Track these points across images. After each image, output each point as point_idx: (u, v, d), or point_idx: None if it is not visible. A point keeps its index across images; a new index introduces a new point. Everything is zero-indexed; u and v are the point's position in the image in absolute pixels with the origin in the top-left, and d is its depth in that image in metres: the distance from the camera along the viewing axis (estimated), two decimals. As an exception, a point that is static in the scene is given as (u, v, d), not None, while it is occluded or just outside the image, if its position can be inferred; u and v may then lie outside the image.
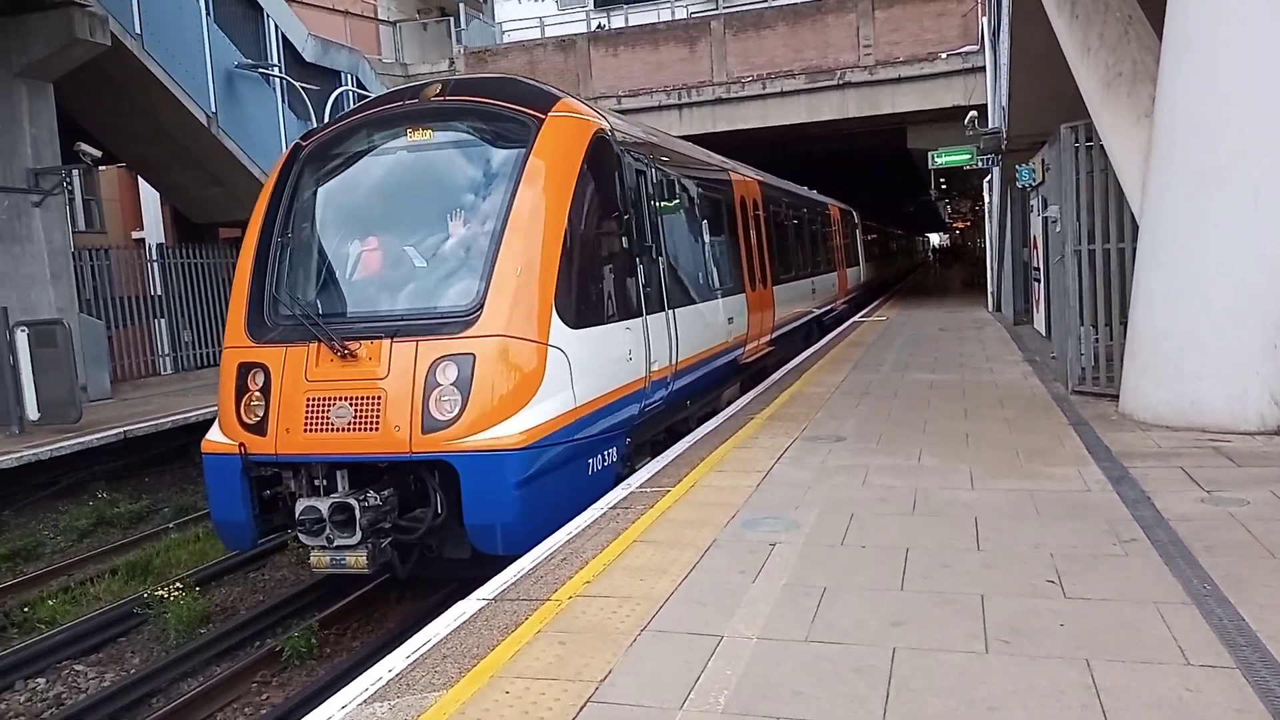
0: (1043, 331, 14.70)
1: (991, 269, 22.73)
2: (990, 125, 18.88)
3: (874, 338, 16.38)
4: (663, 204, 8.90)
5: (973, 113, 18.13)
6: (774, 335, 13.63)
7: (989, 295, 22.72)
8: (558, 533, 5.63)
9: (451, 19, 29.78)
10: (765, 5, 26.76)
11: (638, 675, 3.61)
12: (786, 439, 7.86)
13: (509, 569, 4.99)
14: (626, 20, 29.15)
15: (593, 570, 4.83)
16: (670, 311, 8.50)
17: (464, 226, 6.85)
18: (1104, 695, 3.25)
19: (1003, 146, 16.90)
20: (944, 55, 22.32)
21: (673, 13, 28.90)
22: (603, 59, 25.12)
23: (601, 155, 7.47)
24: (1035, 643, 3.71)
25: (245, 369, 6.66)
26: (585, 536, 5.45)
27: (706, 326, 9.90)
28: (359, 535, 6.10)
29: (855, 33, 23.26)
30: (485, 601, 4.50)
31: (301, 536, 6.35)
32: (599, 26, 28.99)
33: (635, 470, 7.30)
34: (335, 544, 6.16)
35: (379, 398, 6.20)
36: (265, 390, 6.50)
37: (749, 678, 3.54)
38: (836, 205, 22.75)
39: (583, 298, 6.91)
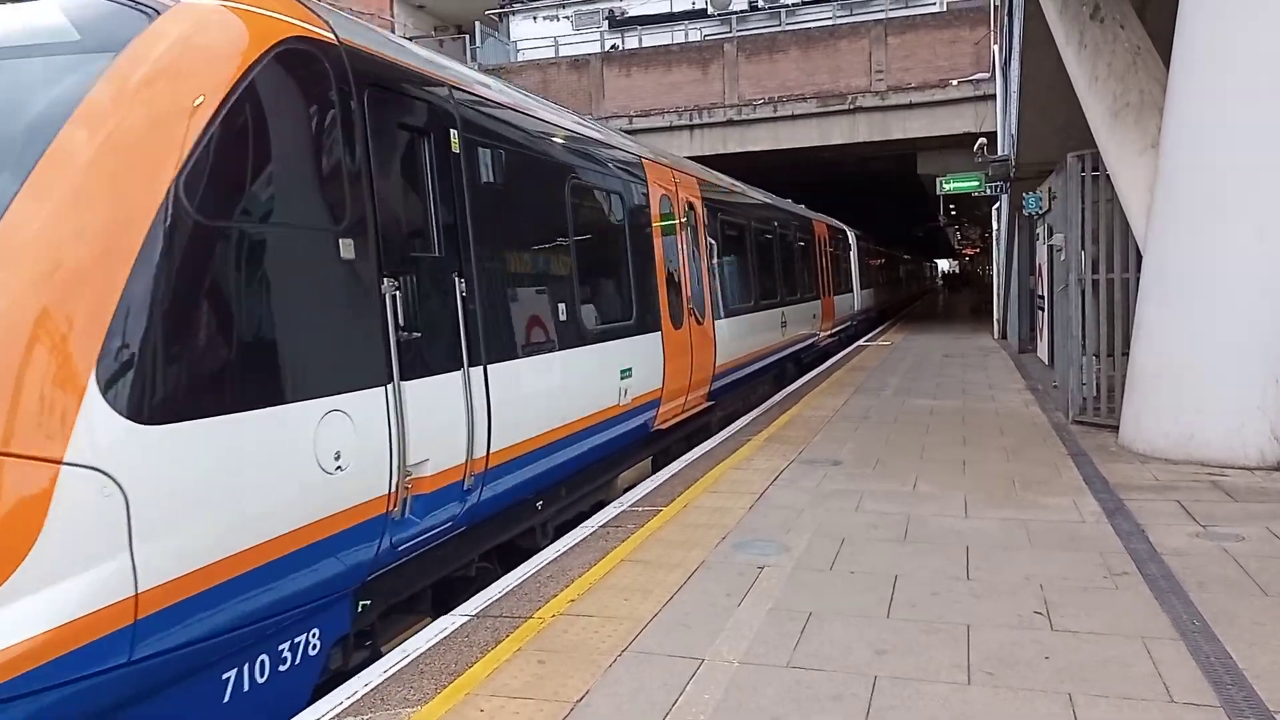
0: (1046, 360, 14.63)
1: (998, 296, 22.71)
2: (1000, 153, 18.94)
3: (878, 363, 16.33)
4: (476, 189, 5.57)
5: (982, 140, 18.18)
6: (715, 386, 10.56)
7: (995, 322, 22.67)
8: (543, 551, 5.59)
9: (467, 37, 30.03)
10: (779, 30, 26.93)
11: (614, 697, 3.57)
12: (783, 461, 7.82)
13: (493, 585, 4.96)
14: (640, 41, 29.32)
15: (578, 589, 4.80)
16: (478, 369, 5.31)
17: None
18: (1085, 731, 3.20)
19: (1011, 174, 16.93)
20: (955, 82, 22.40)
21: (686, 35, 29.07)
22: (615, 79, 25.27)
23: (290, 84, 4.21)
24: (1019, 675, 3.66)
25: None
26: (573, 555, 5.42)
27: (572, 384, 6.71)
28: None
29: (868, 58, 23.36)
30: (467, 618, 4.47)
31: None
32: (613, 47, 29.17)
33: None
34: None
35: None
36: None
37: (727, 702, 3.50)
38: (824, 222, 21.05)
39: (192, 355, 3.59)
